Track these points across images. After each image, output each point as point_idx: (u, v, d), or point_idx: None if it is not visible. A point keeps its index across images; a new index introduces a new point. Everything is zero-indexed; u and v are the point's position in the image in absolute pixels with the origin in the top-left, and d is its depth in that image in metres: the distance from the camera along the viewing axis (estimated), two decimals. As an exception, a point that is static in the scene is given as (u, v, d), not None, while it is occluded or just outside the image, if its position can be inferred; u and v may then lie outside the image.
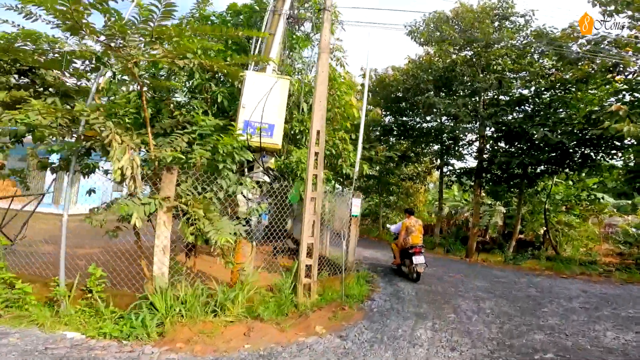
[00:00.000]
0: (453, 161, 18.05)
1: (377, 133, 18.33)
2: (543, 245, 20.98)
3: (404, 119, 18.27)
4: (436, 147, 18.70)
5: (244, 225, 4.98)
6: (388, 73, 16.82)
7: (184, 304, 4.06)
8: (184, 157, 3.89)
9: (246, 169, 5.14)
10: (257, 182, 5.14)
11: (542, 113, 13.10)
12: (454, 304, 5.91)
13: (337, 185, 9.19)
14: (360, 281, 6.67)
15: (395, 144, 18.42)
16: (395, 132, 18.44)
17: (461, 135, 17.45)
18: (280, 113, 5.09)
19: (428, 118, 17.38)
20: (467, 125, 14.94)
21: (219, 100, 6.54)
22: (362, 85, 18.62)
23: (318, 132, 5.20)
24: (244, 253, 5.15)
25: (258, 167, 5.42)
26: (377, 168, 19.62)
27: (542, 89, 13.32)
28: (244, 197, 4.91)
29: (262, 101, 4.94)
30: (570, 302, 6.57)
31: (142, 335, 3.70)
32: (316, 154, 5.15)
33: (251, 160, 5.04)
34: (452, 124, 15.01)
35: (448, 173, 18.29)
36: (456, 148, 17.64)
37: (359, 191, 7.00)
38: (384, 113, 18.18)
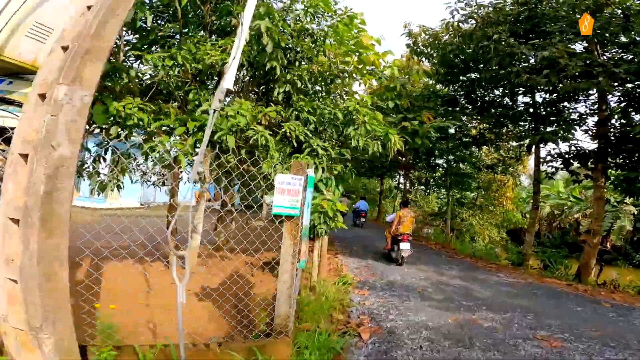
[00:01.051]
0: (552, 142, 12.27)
1: (439, 108, 13.86)
2: (690, 257, 15.03)
3: (478, 91, 13.29)
4: (527, 126, 13.28)
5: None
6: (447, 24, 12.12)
7: None
8: None
9: None
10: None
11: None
12: None
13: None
14: (311, 357, 3.22)
15: (464, 121, 13.64)
16: (463, 105, 13.62)
17: (567, 107, 11.85)
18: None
19: (520, 91, 12.06)
20: (578, 82, 9.57)
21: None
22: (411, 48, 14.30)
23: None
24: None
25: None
26: (448, 157, 15.08)
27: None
28: None
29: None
30: None
31: None
32: (65, 49, 1.94)
33: None
34: (548, 79, 9.61)
35: (548, 158, 12.48)
36: (560, 123, 11.99)
37: (302, 160, 3.39)
38: (444, 85, 13.75)
